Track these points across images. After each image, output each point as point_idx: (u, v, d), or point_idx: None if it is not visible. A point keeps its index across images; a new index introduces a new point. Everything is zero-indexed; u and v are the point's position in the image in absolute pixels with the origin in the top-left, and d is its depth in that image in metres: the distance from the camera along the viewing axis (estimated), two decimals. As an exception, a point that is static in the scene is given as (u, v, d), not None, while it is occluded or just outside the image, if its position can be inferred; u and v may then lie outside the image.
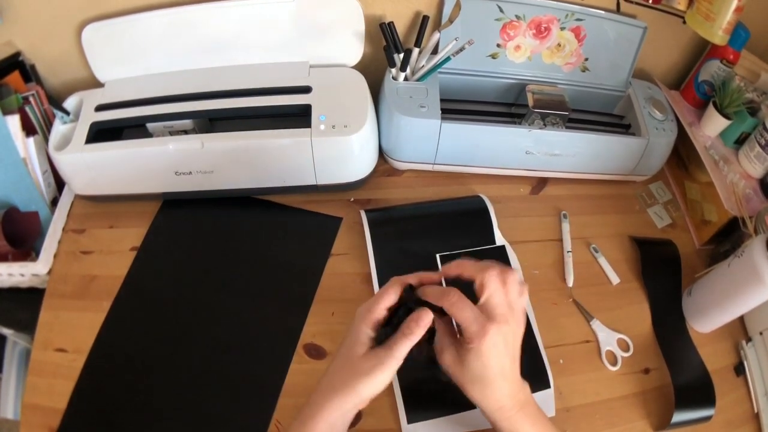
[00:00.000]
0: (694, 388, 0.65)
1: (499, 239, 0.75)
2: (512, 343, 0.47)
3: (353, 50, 0.76)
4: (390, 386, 0.62)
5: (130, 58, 0.74)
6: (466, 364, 0.46)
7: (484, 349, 0.45)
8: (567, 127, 0.78)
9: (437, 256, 0.71)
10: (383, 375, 0.45)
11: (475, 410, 0.61)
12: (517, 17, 0.77)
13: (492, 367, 0.46)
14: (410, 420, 0.60)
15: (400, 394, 0.62)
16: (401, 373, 0.62)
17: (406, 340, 0.45)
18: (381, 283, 0.69)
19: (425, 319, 0.46)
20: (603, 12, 0.77)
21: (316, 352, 0.65)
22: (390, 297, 0.48)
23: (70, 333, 0.65)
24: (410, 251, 0.72)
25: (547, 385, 0.64)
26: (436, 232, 0.74)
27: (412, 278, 0.51)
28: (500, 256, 0.73)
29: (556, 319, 0.70)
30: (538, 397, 0.63)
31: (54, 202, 0.75)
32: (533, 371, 0.65)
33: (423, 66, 0.76)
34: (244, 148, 0.69)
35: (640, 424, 0.64)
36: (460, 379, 0.48)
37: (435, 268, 0.71)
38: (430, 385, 0.63)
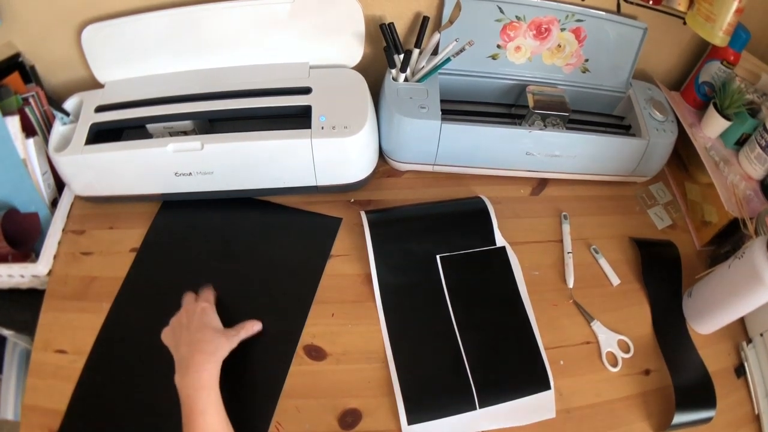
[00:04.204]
0: (694, 390, 0.65)
1: (500, 240, 0.74)
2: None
3: (353, 51, 0.76)
4: (390, 387, 0.62)
5: (130, 58, 0.74)
6: None
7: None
8: (567, 128, 0.77)
9: (437, 257, 0.71)
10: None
11: (475, 411, 0.61)
12: (518, 18, 0.77)
13: None
14: (410, 421, 0.60)
15: (401, 395, 0.62)
16: (402, 373, 0.63)
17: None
18: (381, 284, 0.69)
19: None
20: (603, 13, 0.77)
21: (316, 353, 0.65)
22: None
23: (70, 334, 0.65)
24: (410, 252, 0.72)
25: (547, 387, 0.64)
26: (436, 233, 0.74)
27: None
28: (500, 257, 0.73)
29: (557, 320, 0.70)
30: (539, 398, 0.63)
31: (54, 203, 0.75)
32: (533, 372, 0.65)
33: (423, 67, 0.76)
34: (244, 149, 0.69)
35: (640, 426, 0.64)
36: None
37: (435, 269, 0.71)
38: (430, 386, 0.63)
